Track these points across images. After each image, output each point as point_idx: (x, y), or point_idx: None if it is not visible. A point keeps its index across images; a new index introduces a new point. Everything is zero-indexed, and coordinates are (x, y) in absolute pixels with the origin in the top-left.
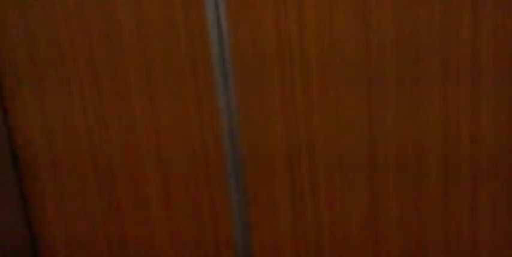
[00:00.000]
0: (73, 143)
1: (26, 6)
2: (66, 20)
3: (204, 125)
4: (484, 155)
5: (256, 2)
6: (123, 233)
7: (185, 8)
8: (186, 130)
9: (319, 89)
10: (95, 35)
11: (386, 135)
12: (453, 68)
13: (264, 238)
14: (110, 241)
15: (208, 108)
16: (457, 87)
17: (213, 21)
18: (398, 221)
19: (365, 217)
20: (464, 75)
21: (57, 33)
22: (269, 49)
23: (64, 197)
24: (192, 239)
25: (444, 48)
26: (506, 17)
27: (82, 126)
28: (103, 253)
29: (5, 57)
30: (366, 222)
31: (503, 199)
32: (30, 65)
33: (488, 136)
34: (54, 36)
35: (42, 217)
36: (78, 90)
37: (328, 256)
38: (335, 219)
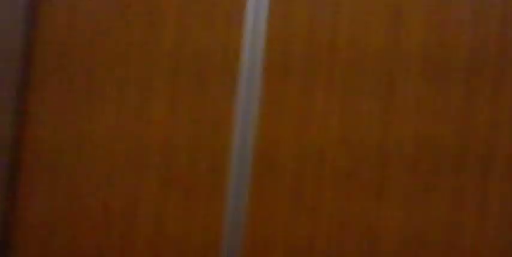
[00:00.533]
0: (77, 140)
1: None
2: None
3: (219, 123)
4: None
5: (291, 12)
6: (110, 233)
7: (226, 15)
8: (197, 126)
9: (340, 102)
10: (131, 37)
11: (402, 155)
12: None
13: (256, 243)
14: (98, 242)
15: (225, 109)
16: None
17: (250, 25)
18: (402, 238)
19: (365, 230)
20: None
21: (92, 40)
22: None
23: (56, 196)
24: (180, 235)
25: None
26: None
27: (101, 126)
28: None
29: (38, 57)
30: (365, 236)
31: None
32: (61, 67)
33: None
34: (89, 40)
35: (27, 211)
36: (100, 92)
37: None
38: (332, 232)
